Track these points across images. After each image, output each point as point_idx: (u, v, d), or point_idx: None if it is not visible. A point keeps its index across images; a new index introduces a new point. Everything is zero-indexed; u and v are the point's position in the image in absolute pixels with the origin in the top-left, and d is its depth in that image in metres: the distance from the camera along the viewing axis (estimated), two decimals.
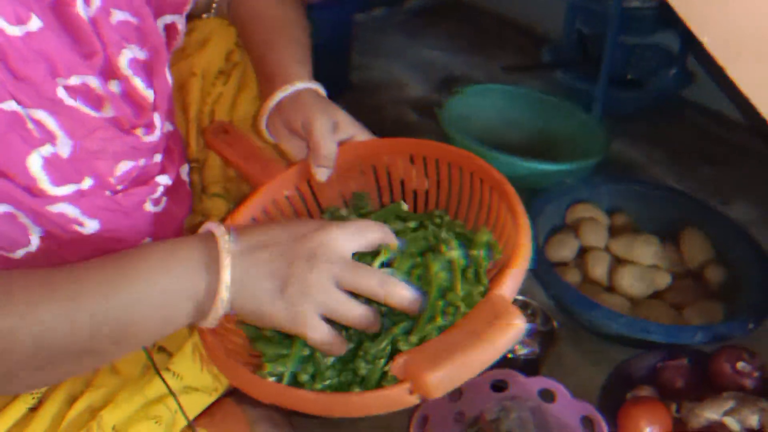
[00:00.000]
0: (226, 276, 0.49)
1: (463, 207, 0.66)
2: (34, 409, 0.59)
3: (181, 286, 0.50)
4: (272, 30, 0.77)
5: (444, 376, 0.44)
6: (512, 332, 0.46)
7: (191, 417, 0.63)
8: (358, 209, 0.69)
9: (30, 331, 0.46)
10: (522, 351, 0.94)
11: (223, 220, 0.67)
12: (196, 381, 0.65)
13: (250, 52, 0.80)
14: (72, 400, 0.60)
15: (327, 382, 0.54)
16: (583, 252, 1.08)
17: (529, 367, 0.91)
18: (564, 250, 1.07)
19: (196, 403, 0.65)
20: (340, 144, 0.69)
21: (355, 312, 0.51)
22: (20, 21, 0.55)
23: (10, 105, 0.54)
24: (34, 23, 0.56)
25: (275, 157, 0.74)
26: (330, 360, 0.55)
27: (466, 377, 0.45)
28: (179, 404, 0.62)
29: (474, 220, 0.65)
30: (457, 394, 0.84)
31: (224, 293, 0.50)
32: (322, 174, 0.68)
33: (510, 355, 0.91)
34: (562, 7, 1.62)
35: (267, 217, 0.67)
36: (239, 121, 0.81)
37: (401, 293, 0.51)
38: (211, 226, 0.53)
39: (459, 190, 0.65)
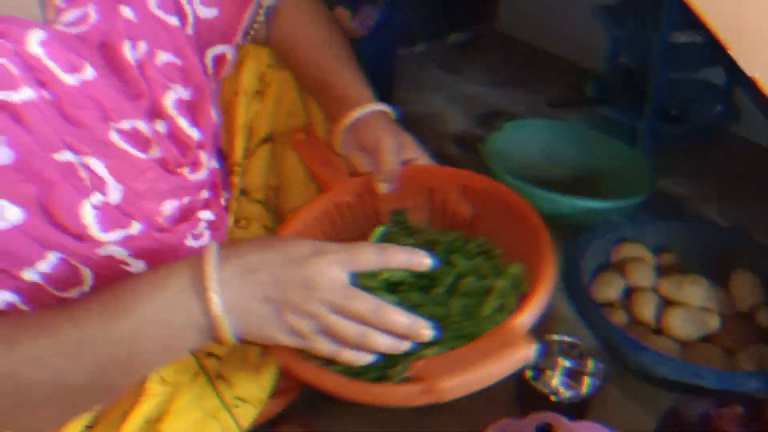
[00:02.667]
0: (215, 301, 0.50)
1: (498, 240, 0.72)
2: (90, 427, 0.61)
3: (177, 314, 0.50)
4: (326, 52, 0.82)
5: (457, 384, 0.51)
6: (519, 360, 0.52)
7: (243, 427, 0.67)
8: (398, 224, 0.76)
9: (41, 377, 0.49)
10: (567, 394, 0.92)
11: (284, 221, 0.72)
12: (244, 391, 0.68)
13: (305, 73, 0.83)
14: (125, 414, 0.62)
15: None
16: (630, 292, 1.06)
17: (575, 410, 0.89)
18: (610, 290, 1.06)
19: (245, 414, 0.68)
20: (403, 164, 0.75)
21: (350, 333, 0.53)
22: (74, 69, 0.57)
23: (65, 155, 0.56)
24: (88, 71, 0.58)
25: (344, 166, 0.81)
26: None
27: (475, 389, 0.52)
28: (234, 417, 0.66)
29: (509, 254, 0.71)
30: None
31: (222, 318, 0.50)
32: (384, 187, 0.74)
33: (554, 398, 0.90)
34: (606, 40, 1.61)
35: (326, 218, 0.75)
36: (277, 135, 0.86)
37: (395, 320, 0.53)
38: (205, 249, 0.53)
39: (501, 224, 0.72)
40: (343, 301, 0.51)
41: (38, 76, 0.55)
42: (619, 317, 1.03)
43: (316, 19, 0.85)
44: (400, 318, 0.53)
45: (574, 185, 1.35)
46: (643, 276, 1.06)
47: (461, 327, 0.59)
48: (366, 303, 0.52)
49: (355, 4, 1.61)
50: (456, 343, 0.57)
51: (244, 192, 0.84)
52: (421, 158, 0.76)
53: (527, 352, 0.52)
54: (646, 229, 1.16)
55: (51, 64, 0.56)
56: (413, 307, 0.57)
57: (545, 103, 1.65)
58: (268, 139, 0.85)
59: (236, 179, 0.83)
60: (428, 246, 0.66)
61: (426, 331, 0.54)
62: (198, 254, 0.52)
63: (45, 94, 0.56)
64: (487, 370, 0.52)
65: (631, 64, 1.59)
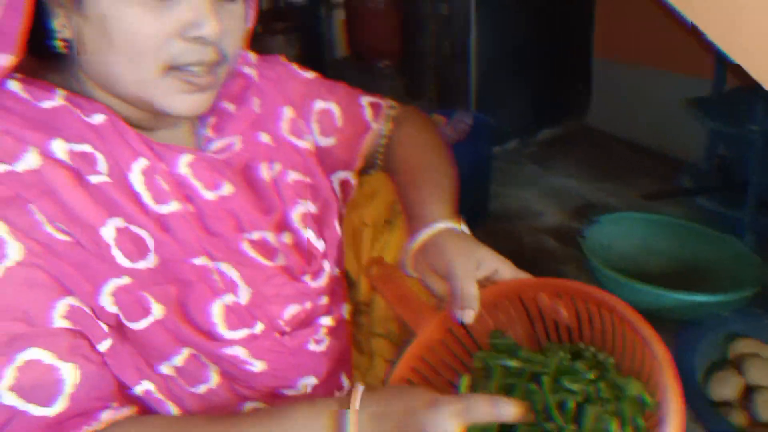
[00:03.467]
0: None
1: (608, 346, 0.66)
2: None
3: None
4: (417, 173, 0.82)
5: None
6: None
7: None
8: (499, 349, 0.70)
9: None
10: None
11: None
12: None
13: (399, 195, 0.85)
14: None
15: None
16: (749, 391, 1.03)
17: None
18: (726, 388, 1.03)
19: None
20: (486, 281, 0.70)
21: None
22: (215, 186, 0.67)
23: (202, 260, 0.64)
24: (226, 188, 0.67)
25: (427, 298, 0.77)
26: None
27: None
28: None
29: (619, 359, 0.65)
30: None
31: None
32: (467, 316, 0.68)
33: None
34: (696, 131, 1.62)
35: (426, 365, 0.70)
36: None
37: None
38: (348, 401, 0.58)
39: (611, 330, 0.65)
40: None
41: (185, 192, 0.65)
42: (739, 418, 0.99)
43: (418, 143, 0.86)
44: None
45: (675, 278, 1.34)
46: (763, 374, 1.03)
47: None
48: None
49: (449, 111, 1.72)
50: None
51: (369, 329, 0.88)
52: (503, 268, 0.70)
53: None
54: (762, 323, 1.12)
55: (195, 183, 0.66)
56: None
57: (640, 195, 1.66)
58: None
59: (365, 319, 0.88)
60: (535, 375, 0.64)
61: None
62: (345, 399, 0.58)
63: (189, 207, 0.65)
64: None
65: (728, 154, 1.58)
